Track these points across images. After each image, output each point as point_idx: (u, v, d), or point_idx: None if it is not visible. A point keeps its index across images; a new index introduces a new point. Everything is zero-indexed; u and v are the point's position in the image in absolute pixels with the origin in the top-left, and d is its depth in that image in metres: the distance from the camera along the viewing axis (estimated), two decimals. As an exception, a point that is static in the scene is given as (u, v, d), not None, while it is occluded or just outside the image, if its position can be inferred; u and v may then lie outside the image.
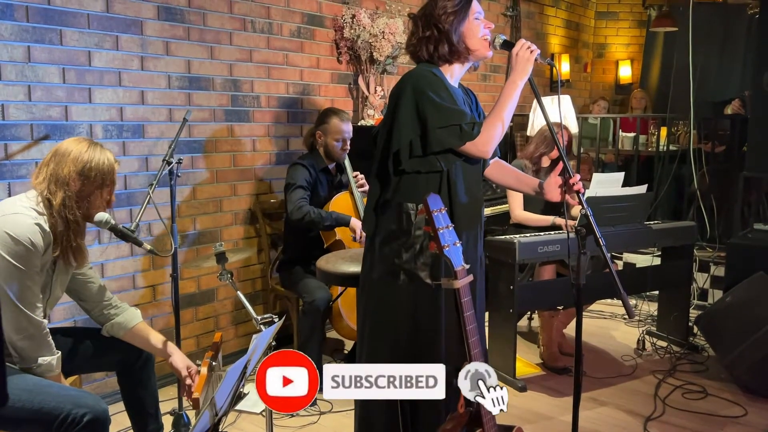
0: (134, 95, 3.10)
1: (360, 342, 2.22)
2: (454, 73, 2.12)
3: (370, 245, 2.12)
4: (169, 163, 2.56)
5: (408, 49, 2.16)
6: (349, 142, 3.43)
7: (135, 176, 3.13)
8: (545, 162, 3.64)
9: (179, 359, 2.24)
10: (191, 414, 2.71)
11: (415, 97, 1.97)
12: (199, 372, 2.09)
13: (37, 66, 2.75)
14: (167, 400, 2.98)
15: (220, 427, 1.87)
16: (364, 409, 2.23)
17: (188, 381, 2.20)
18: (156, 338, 2.28)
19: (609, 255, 1.90)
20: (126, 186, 3.10)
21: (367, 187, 3.47)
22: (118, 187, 3.04)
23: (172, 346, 2.27)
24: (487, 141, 1.96)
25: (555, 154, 3.60)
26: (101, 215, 2.11)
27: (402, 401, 2.01)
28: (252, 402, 3.04)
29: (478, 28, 2.06)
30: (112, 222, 2.10)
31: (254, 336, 1.96)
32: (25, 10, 2.69)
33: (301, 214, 3.17)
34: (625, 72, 7.26)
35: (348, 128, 3.42)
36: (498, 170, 2.30)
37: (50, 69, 2.80)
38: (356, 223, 3.25)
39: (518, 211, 3.64)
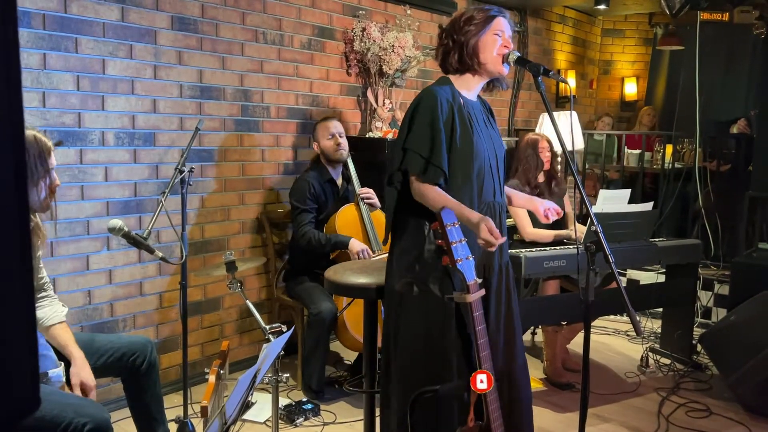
0: (146, 103, 3.13)
1: (383, 349, 2.23)
2: (471, 85, 2.16)
3: (390, 255, 2.15)
4: (181, 172, 2.58)
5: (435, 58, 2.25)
6: (342, 139, 3.46)
7: (145, 184, 3.15)
8: (540, 178, 3.63)
9: (78, 371, 2.06)
10: (196, 422, 2.72)
11: (405, 121, 2.09)
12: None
13: (52, 73, 2.78)
14: (172, 407, 2.98)
15: (229, 435, 1.87)
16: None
17: (76, 391, 2.03)
18: (69, 347, 2.09)
19: (617, 272, 1.91)
20: (136, 193, 3.12)
21: (374, 201, 3.49)
22: (128, 194, 3.09)
23: (78, 357, 2.09)
24: (420, 195, 1.99)
25: (546, 167, 3.62)
26: (114, 222, 2.13)
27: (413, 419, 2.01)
28: (256, 411, 3.04)
29: (495, 45, 2.08)
30: (125, 229, 2.12)
31: (264, 345, 1.97)
32: (42, 18, 2.73)
33: (305, 240, 3.32)
34: (631, 89, 7.30)
35: (335, 124, 3.48)
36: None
37: (65, 76, 2.83)
38: (355, 245, 3.27)
39: (529, 229, 3.55)
